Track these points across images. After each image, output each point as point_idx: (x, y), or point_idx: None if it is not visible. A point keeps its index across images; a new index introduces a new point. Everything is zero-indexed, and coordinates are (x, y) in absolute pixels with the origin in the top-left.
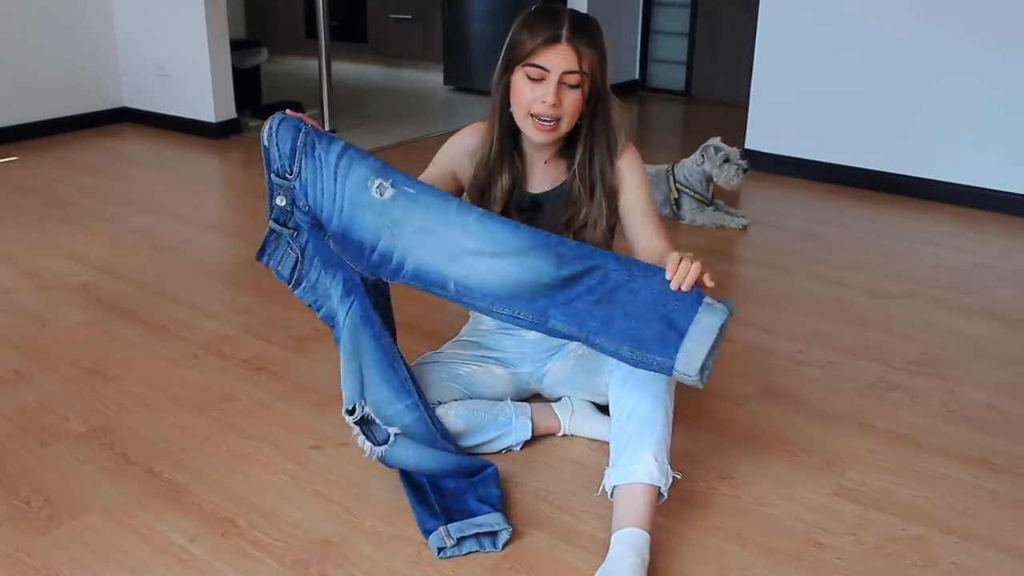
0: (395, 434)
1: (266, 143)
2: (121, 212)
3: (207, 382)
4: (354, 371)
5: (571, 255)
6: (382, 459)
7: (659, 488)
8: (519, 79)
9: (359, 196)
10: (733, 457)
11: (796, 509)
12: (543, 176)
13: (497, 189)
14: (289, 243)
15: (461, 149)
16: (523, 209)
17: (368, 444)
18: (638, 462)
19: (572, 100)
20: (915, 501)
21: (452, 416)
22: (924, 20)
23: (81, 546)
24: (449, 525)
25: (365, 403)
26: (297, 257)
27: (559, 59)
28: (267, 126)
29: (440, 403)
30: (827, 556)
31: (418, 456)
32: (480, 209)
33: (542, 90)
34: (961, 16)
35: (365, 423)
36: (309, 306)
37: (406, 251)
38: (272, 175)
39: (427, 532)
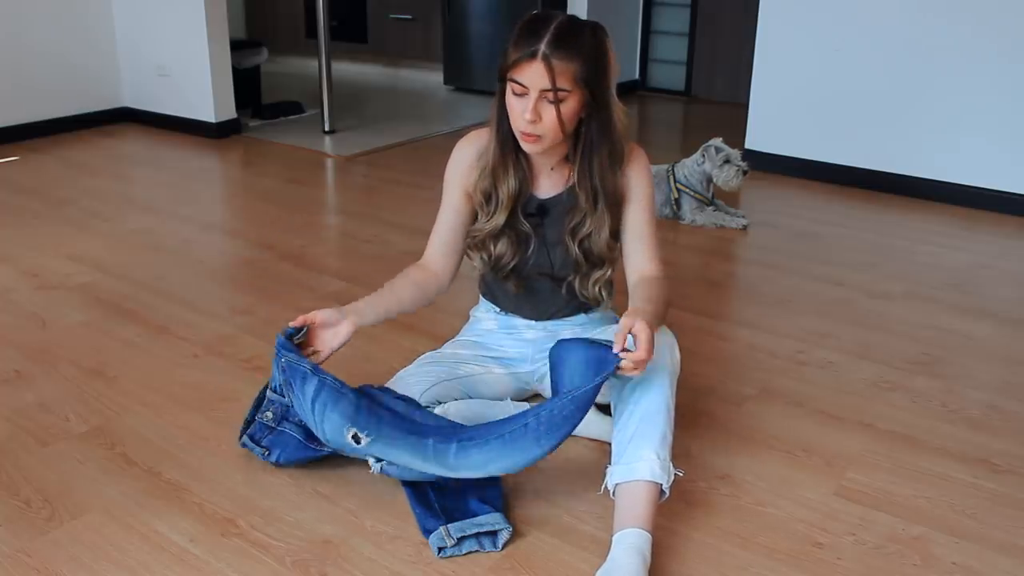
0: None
1: (274, 360)
2: (121, 212)
3: (207, 382)
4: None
5: (542, 427)
6: (385, 472)
7: (661, 485)
8: (508, 91)
9: (339, 438)
10: (733, 457)
11: (796, 509)
12: (549, 181)
13: (503, 193)
14: (262, 455)
15: (465, 162)
16: (530, 214)
17: (371, 459)
18: (640, 459)
19: (551, 116)
20: (915, 501)
21: (452, 416)
22: (924, 20)
23: (81, 546)
24: (449, 524)
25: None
26: (274, 462)
27: (535, 77)
28: (276, 345)
29: (440, 403)
30: (827, 556)
31: (413, 471)
32: (456, 438)
33: (522, 105)
34: (961, 16)
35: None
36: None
37: (399, 471)
38: (270, 391)
39: (427, 532)
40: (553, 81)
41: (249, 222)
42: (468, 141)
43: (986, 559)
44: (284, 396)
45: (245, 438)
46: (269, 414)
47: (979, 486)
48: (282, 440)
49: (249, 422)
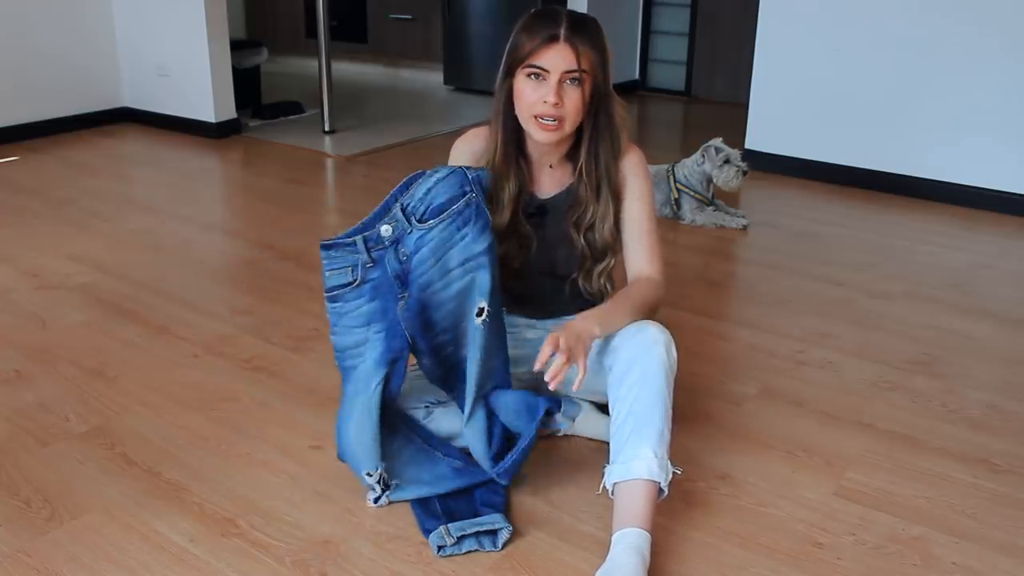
0: (395, 484)
1: (421, 178)
2: (121, 212)
3: (207, 382)
4: (373, 435)
5: None
6: (392, 499)
7: (659, 484)
8: (521, 81)
9: (462, 306)
10: (733, 457)
11: (796, 509)
12: (550, 181)
13: (505, 195)
14: (356, 266)
15: (463, 161)
16: (530, 214)
17: (372, 495)
18: (637, 458)
19: (574, 99)
20: (915, 501)
21: (453, 416)
22: (924, 20)
23: (81, 546)
24: (449, 524)
25: (383, 468)
26: (351, 282)
27: (558, 59)
28: (440, 170)
29: (441, 403)
30: (827, 556)
31: (423, 489)
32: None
33: (543, 90)
34: (961, 16)
35: (380, 481)
36: (330, 324)
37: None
38: (398, 206)
39: (427, 532)
40: (579, 60)
41: (249, 222)
42: (465, 141)
43: (986, 559)
44: (417, 223)
45: (351, 240)
46: (389, 228)
47: (979, 486)
48: (380, 260)
49: (363, 229)
